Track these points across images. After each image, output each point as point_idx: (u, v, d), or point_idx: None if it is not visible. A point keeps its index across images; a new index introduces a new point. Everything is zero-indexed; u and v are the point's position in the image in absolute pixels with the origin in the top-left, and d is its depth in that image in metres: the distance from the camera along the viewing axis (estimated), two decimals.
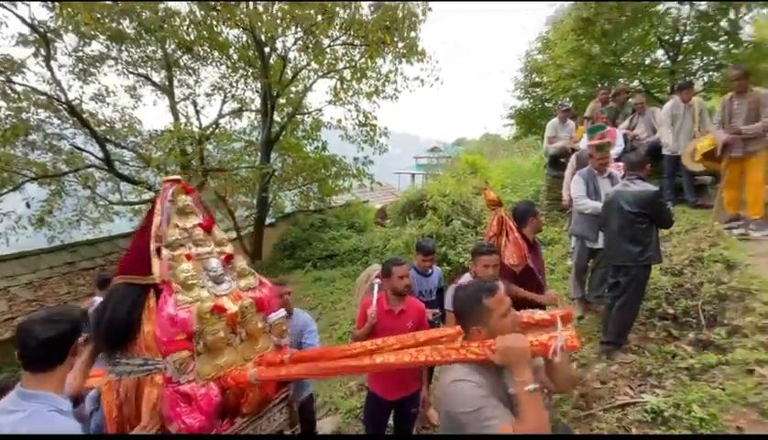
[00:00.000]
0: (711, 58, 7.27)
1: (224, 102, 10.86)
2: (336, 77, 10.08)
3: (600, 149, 3.69)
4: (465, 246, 6.13)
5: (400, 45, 9.21)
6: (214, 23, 8.78)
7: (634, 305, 3.16)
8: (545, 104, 9.95)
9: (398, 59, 9.56)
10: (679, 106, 4.90)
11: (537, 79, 10.13)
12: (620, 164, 3.83)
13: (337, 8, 8.59)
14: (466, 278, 2.64)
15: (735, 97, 4.03)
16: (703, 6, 6.79)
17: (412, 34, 9.06)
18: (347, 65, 9.87)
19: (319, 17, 8.57)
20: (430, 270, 3.23)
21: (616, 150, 4.51)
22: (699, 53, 7.35)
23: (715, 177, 4.74)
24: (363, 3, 8.80)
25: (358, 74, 9.77)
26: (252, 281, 1.94)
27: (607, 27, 7.00)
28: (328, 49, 9.60)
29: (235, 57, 9.89)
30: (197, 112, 10.86)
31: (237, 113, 11.12)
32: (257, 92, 10.58)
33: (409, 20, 8.80)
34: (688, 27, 7.07)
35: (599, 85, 7.40)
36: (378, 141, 10.57)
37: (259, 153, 10.10)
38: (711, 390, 2.50)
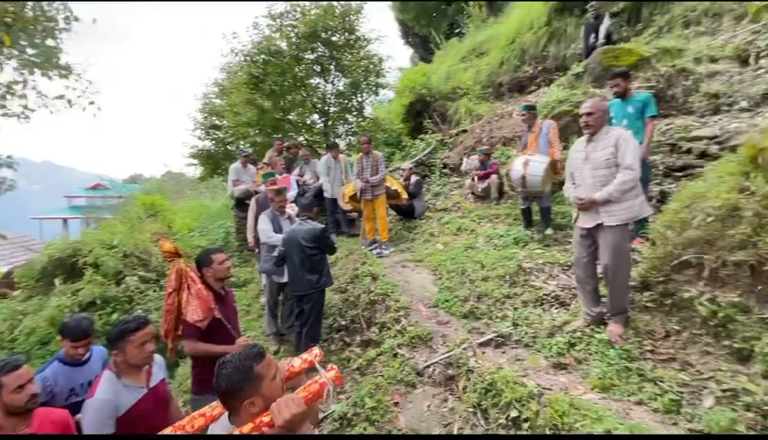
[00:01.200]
0: (349, 126, 9.85)
1: None
2: None
3: (279, 193, 4.21)
4: (146, 305, 5.12)
5: (30, 52, 6.89)
6: None
7: (317, 327, 3.67)
8: (227, 146, 10.17)
9: (27, 68, 7.06)
10: (331, 161, 6.23)
11: (217, 122, 10.23)
12: (294, 205, 4.41)
13: None
14: (107, 381, 1.90)
15: (364, 156, 5.57)
16: (341, 87, 9.12)
17: (49, 42, 6.98)
18: None
19: None
20: (87, 355, 2.39)
21: (291, 194, 5.19)
22: (342, 121, 9.79)
23: (359, 213, 6.31)
24: None
25: None
26: None
27: (274, 88, 8.06)
28: None
29: None
30: None
31: None
32: None
33: (40, 26, 6.73)
34: (333, 101, 9.27)
35: (274, 137, 8.35)
36: None
37: None
38: (375, 380, 3.13)
